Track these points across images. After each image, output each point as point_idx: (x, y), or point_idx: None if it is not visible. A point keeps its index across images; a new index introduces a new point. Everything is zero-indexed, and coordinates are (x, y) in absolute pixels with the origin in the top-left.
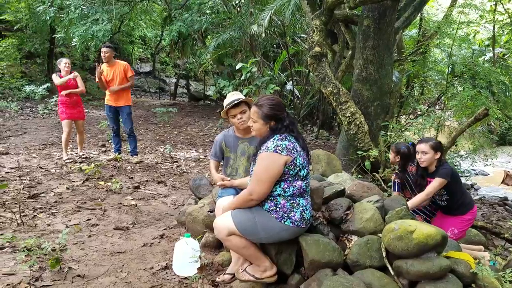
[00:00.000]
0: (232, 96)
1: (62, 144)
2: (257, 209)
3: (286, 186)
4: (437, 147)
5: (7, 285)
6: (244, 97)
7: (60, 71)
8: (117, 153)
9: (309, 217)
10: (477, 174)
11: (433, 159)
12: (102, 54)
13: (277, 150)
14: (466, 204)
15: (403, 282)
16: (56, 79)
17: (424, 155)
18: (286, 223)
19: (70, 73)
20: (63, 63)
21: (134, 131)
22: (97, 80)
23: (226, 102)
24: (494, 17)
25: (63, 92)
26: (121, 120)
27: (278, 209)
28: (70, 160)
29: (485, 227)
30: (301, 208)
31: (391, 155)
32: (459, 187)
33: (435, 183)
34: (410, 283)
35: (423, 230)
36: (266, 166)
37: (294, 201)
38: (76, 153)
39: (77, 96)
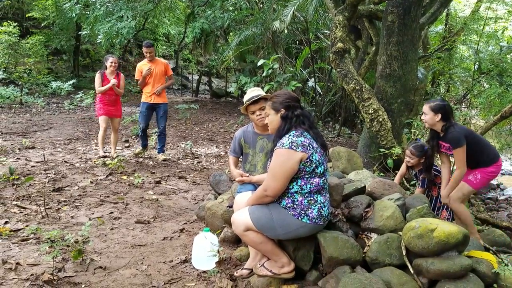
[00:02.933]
0: (252, 92)
1: (99, 141)
2: (274, 206)
3: (303, 183)
4: (437, 108)
5: (31, 275)
6: (263, 94)
7: (106, 68)
8: (143, 147)
9: (327, 214)
10: (503, 174)
11: (434, 121)
12: (145, 54)
13: (292, 146)
14: (491, 159)
15: (423, 280)
16: (97, 81)
17: (424, 116)
18: (303, 220)
19: (117, 73)
20: (109, 62)
21: (166, 129)
22: (137, 77)
23: (246, 98)
24: None
25: (112, 83)
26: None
27: (295, 206)
28: (106, 157)
29: (511, 227)
30: (318, 205)
31: (412, 160)
32: (478, 146)
33: (457, 156)
34: (430, 282)
35: (444, 228)
36: (281, 163)
37: (312, 198)
38: (105, 151)
39: (117, 96)
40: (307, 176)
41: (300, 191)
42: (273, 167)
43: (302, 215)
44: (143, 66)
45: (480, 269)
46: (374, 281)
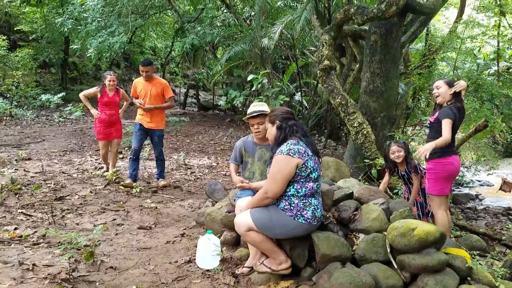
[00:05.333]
0: (254, 107)
1: (103, 160)
2: (273, 208)
3: (299, 187)
4: (452, 83)
5: (49, 274)
6: (263, 110)
7: (104, 85)
8: (132, 179)
9: (320, 215)
10: (482, 185)
11: (447, 94)
12: (142, 73)
13: (290, 153)
14: (437, 152)
15: (406, 274)
16: (92, 90)
17: (436, 90)
18: (299, 220)
19: (117, 89)
20: (107, 80)
21: (163, 153)
22: (132, 93)
23: (248, 111)
24: (498, 32)
25: (96, 115)
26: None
27: (292, 207)
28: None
29: (487, 233)
30: (313, 207)
31: (401, 153)
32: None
33: (444, 126)
34: (411, 276)
35: (423, 227)
36: (280, 167)
37: (307, 201)
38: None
39: (117, 115)
40: (302, 180)
41: (296, 194)
42: (273, 172)
43: (298, 216)
44: (138, 83)
45: (455, 264)
46: (363, 275)
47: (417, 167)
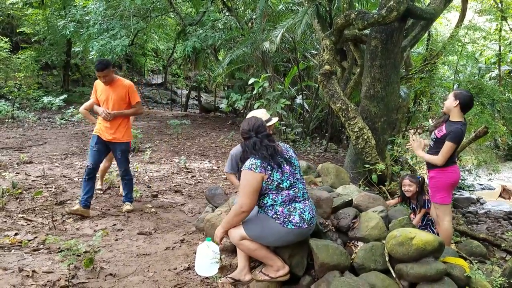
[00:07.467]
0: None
1: (99, 173)
2: (264, 217)
3: (274, 196)
4: (458, 95)
5: (48, 281)
6: (263, 118)
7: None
8: (83, 205)
9: (309, 218)
10: (483, 189)
11: (451, 105)
12: (99, 79)
13: (252, 168)
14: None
15: (404, 283)
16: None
17: (444, 101)
18: (288, 226)
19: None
20: None
21: (131, 171)
22: (92, 96)
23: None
24: (500, 36)
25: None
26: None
27: (278, 216)
28: (102, 192)
29: (487, 239)
30: (299, 211)
31: (412, 187)
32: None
33: (445, 148)
34: (410, 285)
35: (422, 237)
36: (246, 182)
37: (290, 206)
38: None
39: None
40: (274, 191)
41: (275, 203)
42: (243, 186)
43: (286, 222)
44: (98, 84)
45: (454, 273)
46: (361, 284)
47: (425, 201)
